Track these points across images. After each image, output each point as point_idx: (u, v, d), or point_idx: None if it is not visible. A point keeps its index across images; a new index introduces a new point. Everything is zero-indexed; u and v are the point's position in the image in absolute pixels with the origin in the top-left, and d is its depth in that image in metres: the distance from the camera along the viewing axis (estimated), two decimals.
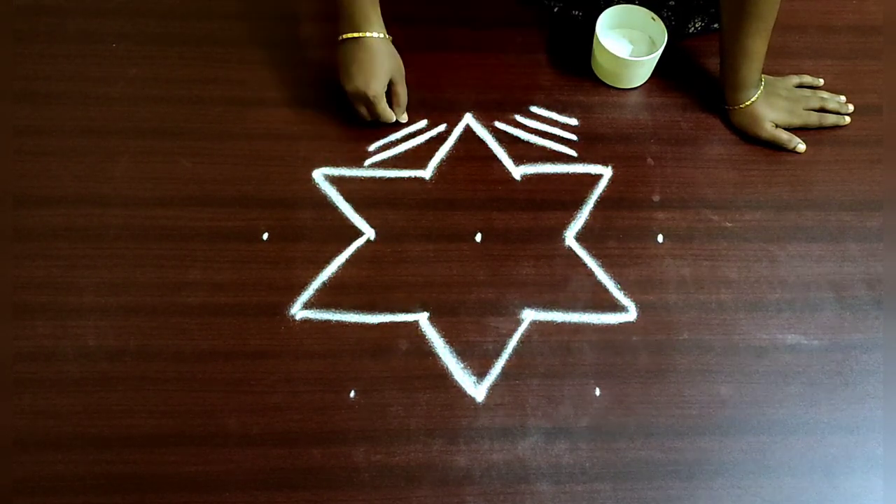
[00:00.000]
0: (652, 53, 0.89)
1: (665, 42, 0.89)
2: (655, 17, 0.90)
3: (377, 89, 0.83)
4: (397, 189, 0.86)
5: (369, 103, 0.84)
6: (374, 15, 0.83)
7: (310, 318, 0.78)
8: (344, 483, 0.70)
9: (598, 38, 0.89)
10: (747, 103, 0.88)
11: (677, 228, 0.84)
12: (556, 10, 0.96)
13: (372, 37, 0.82)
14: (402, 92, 0.87)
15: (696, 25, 0.95)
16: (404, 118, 0.88)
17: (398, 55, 0.86)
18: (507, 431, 0.73)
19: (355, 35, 0.82)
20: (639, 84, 0.93)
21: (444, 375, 0.75)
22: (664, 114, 0.92)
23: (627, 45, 0.93)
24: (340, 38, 0.83)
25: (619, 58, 0.88)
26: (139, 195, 0.84)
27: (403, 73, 0.87)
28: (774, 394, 0.76)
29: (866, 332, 0.79)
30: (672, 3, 0.92)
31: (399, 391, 0.74)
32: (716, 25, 0.95)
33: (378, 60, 0.83)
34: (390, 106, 0.86)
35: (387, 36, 0.84)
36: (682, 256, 0.83)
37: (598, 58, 0.91)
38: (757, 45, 0.83)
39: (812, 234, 0.85)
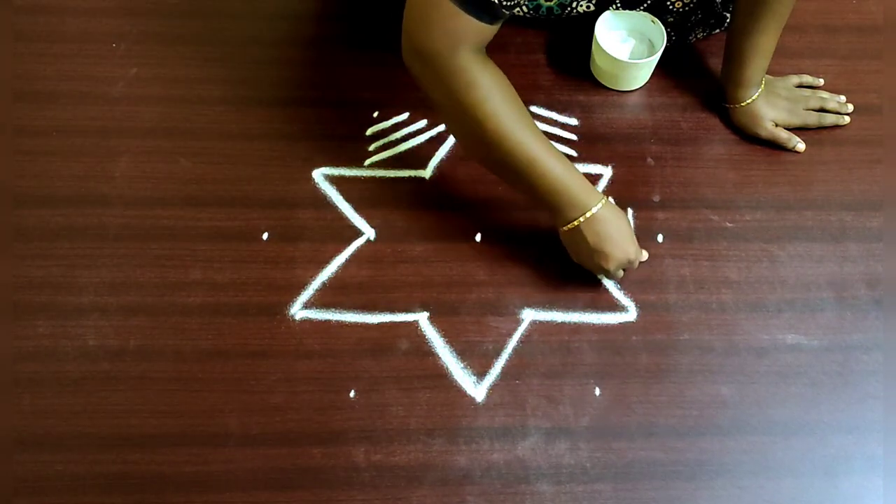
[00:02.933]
0: (651, 56, 0.89)
1: (664, 45, 0.89)
2: (655, 19, 0.90)
3: (636, 248, 0.76)
4: (397, 189, 0.86)
5: (631, 262, 0.77)
6: (585, 187, 0.73)
7: (310, 318, 0.78)
8: (344, 483, 0.70)
9: (597, 41, 0.89)
10: (747, 102, 0.88)
11: (677, 228, 0.84)
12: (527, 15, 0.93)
13: (597, 207, 0.73)
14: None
15: (698, 36, 0.95)
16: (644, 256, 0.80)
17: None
18: (507, 431, 0.73)
19: (587, 215, 0.72)
20: (638, 87, 0.93)
21: (443, 375, 0.75)
22: (664, 114, 0.92)
23: (626, 47, 0.93)
24: (567, 227, 0.74)
25: (617, 60, 0.88)
26: (139, 195, 0.84)
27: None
28: (775, 394, 0.76)
29: (866, 332, 0.79)
30: (671, 19, 0.91)
31: (399, 391, 0.74)
32: (717, 31, 0.95)
33: (620, 223, 0.74)
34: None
35: (601, 195, 0.74)
36: (682, 256, 0.83)
37: (597, 60, 0.91)
38: (768, 43, 0.83)
39: (812, 234, 0.85)
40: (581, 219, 0.73)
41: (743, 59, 0.85)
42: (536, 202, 0.75)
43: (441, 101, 0.72)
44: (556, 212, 0.74)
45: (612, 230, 0.74)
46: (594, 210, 0.73)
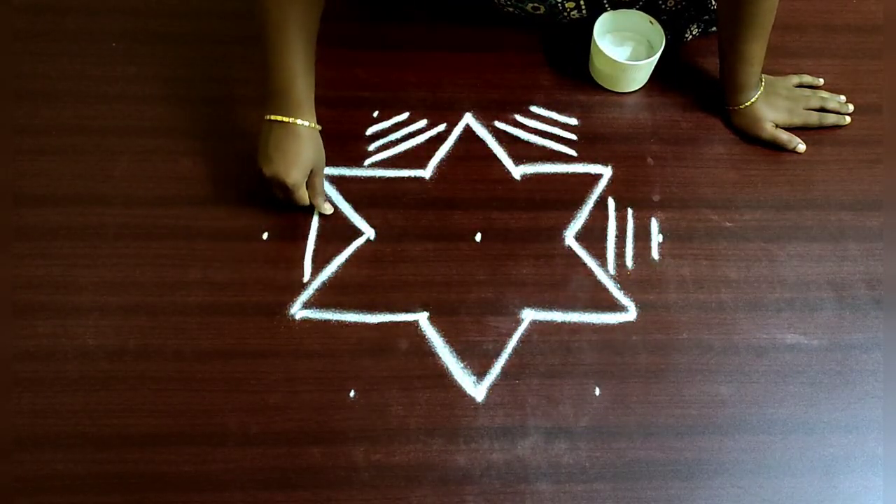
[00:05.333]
0: (650, 57, 0.89)
1: (663, 46, 0.89)
2: (653, 20, 0.90)
3: (297, 178, 0.77)
4: (397, 189, 0.86)
5: (287, 190, 0.78)
6: (308, 102, 0.77)
7: (310, 318, 0.78)
8: (343, 483, 0.70)
9: (595, 42, 0.89)
10: (747, 104, 0.88)
11: (677, 228, 0.84)
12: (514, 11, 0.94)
13: (301, 125, 0.76)
14: (319, 183, 0.81)
15: (693, 32, 0.95)
16: (327, 209, 0.82)
17: (322, 147, 0.80)
18: (507, 431, 0.73)
19: (283, 119, 0.76)
20: (637, 88, 0.93)
21: (443, 375, 0.75)
22: (664, 114, 0.92)
23: (625, 49, 0.93)
24: (267, 117, 0.77)
25: (616, 62, 0.88)
26: (139, 195, 0.84)
27: (324, 164, 0.81)
28: (774, 393, 0.76)
29: (866, 332, 0.79)
30: (664, 17, 0.92)
31: (399, 391, 0.74)
32: (714, 29, 0.95)
33: (304, 150, 0.77)
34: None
35: (316, 126, 0.78)
36: (682, 256, 0.83)
37: (596, 62, 0.91)
38: (754, 50, 0.83)
39: (812, 234, 0.85)
40: (273, 118, 0.76)
41: (733, 67, 0.85)
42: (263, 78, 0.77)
43: None
44: (269, 96, 0.76)
45: (292, 146, 0.76)
46: (297, 121, 0.76)
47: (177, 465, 0.70)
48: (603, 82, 0.93)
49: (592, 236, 0.83)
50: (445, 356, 0.76)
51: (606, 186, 0.87)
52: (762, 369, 0.77)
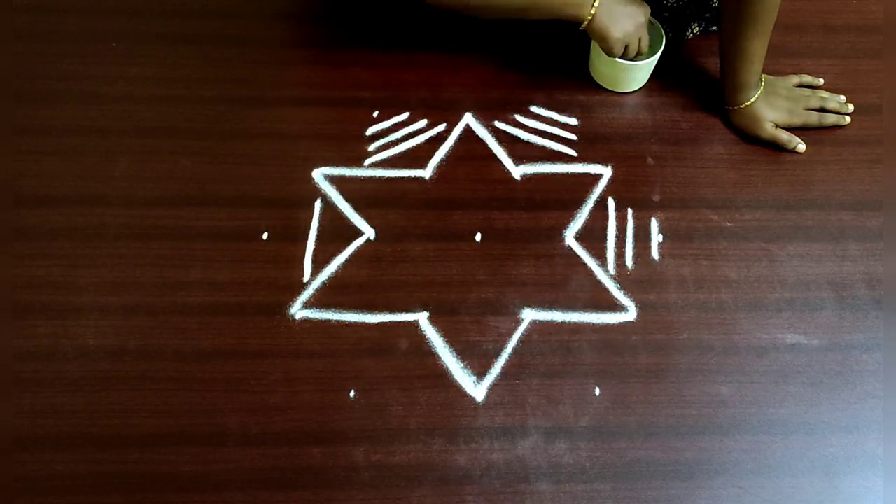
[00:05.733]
0: (650, 57, 0.89)
1: (663, 46, 0.89)
2: (654, 20, 0.90)
3: (641, 21, 0.85)
4: (397, 189, 0.86)
5: (640, 36, 0.85)
6: None
7: (310, 318, 0.78)
8: (344, 483, 0.70)
9: (595, 43, 0.89)
10: (747, 103, 0.88)
11: (677, 228, 0.84)
12: None
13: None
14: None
15: (694, 31, 0.95)
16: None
17: None
18: (507, 431, 0.73)
19: (594, 10, 0.82)
20: (637, 88, 0.93)
21: (443, 375, 0.75)
22: (664, 114, 0.92)
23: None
24: (587, 21, 0.83)
25: (616, 62, 0.88)
26: (139, 195, 0.84)
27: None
28: (774, 394, 0.76)
29: (866, 332, 0.79)
30: (666, 14, 0.91)
31: (399, 391, 0.74)
32: (714, 28, 0.95)
33: (626, 5, 0.84)
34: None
35: None
36: (682, 256, 0.83)
37: (597, 62, 0.91)
38: (755, 48, 0.83)
39: (812, 234, 0.85)
40: (596, 4, 0.82)
41: (734, 65, 0.85)
42: (555, 15, 0.83)
43: None
44: (574, 11, 0.82)
45: (619, 8, 0.83)
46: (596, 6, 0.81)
47: (177, 465, 0.70)
48: (603, 82, 0.93)
49: (592, 236, 0.83)
50: (445, 356, 0.76)
51: (606, 186, 0.87)
52: (762, 369, 0.77)
